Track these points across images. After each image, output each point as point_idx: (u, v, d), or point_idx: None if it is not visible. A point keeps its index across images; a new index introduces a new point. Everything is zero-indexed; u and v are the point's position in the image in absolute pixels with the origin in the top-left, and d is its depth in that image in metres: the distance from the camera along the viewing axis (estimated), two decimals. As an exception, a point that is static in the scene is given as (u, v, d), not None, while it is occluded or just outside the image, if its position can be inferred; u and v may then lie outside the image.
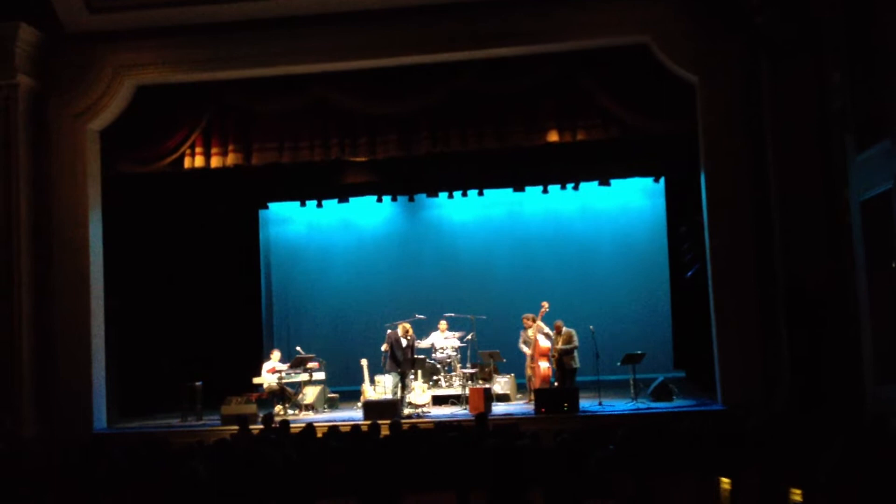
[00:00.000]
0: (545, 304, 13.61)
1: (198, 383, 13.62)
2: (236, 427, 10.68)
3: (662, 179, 16.43)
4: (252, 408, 12.99)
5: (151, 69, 13.35)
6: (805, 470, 6.07)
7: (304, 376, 14.08)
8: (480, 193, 17.08)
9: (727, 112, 12.28)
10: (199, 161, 13.89)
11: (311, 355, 14.35)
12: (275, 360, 14.28)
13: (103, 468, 7.37)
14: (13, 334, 12.65)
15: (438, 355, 14.30)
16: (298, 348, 14.61)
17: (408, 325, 13.54)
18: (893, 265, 9.70)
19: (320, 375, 14.35)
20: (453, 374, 14.23)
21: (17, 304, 12.73)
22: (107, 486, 6.80)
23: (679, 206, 15.52)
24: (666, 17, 12.38)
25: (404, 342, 13.31)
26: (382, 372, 13.87)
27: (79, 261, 13.22)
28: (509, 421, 11.47)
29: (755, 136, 12.04)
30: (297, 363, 14.12)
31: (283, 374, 14.02)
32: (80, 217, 13.28)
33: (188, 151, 13.87)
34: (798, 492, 5.69)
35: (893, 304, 9.88)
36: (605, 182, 16.45)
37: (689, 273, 14.65)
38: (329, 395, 14.56)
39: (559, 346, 13.42)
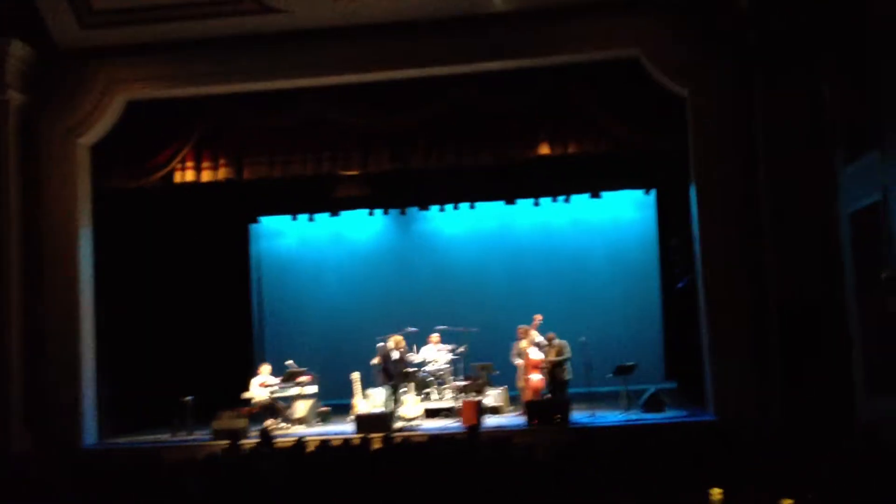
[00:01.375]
0: (538, 317, 13.62)
1: (188, 398, 13.56)
2: (227, 442, 10.63)
3: (653, 192, 16.49)
4: (243, 422, 12.93)
5: (142, 84, 13.36)
6: (796, 481, 6.08)
7: (296, 390, 14.04)
8: (472, 206, 17.15)
9: (718, 125, 12.33)
10: (189, 175, 13.88)
11: (302, 369, 14.31)
12: (265, 373, 14.24)
13: (93, 484, 7.33)
14: (2, 349, 12.60)
15: (430, 368, 14.29)
16: (290, 362, 14.56)
17: (399, 338, 13.53)
18: (882, 276, 9.74)
19: (312, 389, 14.30)
20: (445, 386, 14.21)
21: (7, 319, 12.68)
22: (97, 502, 6.76)
23: (670, 219, 15.57)
24: (656, 30, 12.45)
25: (396, 355, 13.30)
26: (374, 385, 13.85)
27: (69, 277, 13.19)
28: (502, 433, 11.45)
29: (746, 148, 12.08)
30: (289, 377, 14.08)
31: (274, 389, 13.98)
32: (71, 232, 13.25)
33: (179, 166, 13.86)
34: (789, 502, 5.70)
35: (883, 315, 9.91)
36: (596, 194, 16.54)
37: (680, 284, 14.68)
38: (321, 409, 14.51)
39: (551, 357, 13.43)
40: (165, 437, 13.42)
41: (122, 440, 13.50)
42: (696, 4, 12.27)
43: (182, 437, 13.31)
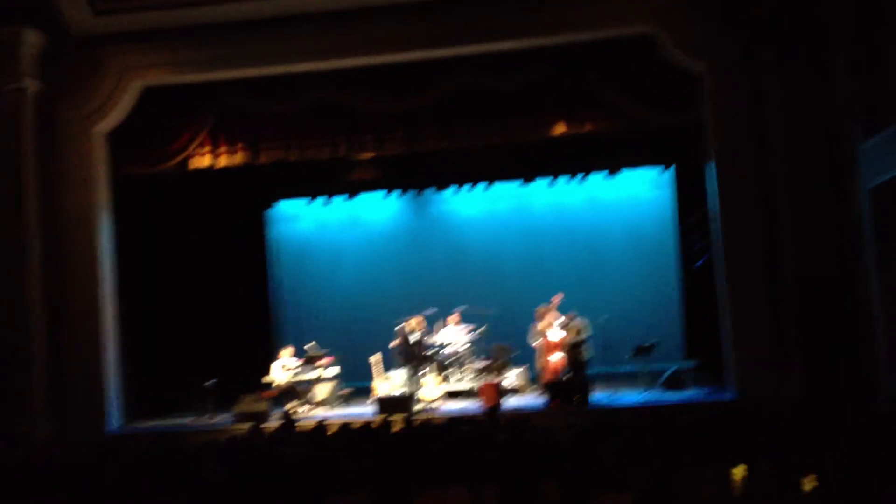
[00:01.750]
0: (557, 297, 13.60)
1: (210, 382, 13.65)
2: (249, 425, 10.70)
3: (671, 169, 16.40)
4: (264, 405, 13.02)
5: (157, 70, 13.37)
6: (819, 458, 6.05)
7: (316, 373, 14.11)
8: (488, 187, 17.11)
9: (734, 102, 12.22)
10: (206, 160, 13.91)
11: (323, 352, 14.37)
12: (286, 357, 14.30)
13: (117, 468, 7.41)
14: (26, 337, 12.71)
15: (449, 350, 14.31)
16: (310, 345, 14.62)
17: (419, 319, 13.56)
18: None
19: (332, 372, 14.36)
20: (465, 368, 14.23)
21: (29, 306, 12.78)
22: (121, 486, 6.83)
23: (687, 197, 15.47)
24: (671, 7, 12.32)
25: (415, 337, 13.32)
26: (394, 367, 13.89)
27: (89, 263, 13.27)
28: (521, 415, 11.44)
29: (762, 124, 11.99)
30: (309, 360, 14.15)
31: (295, 372, 14.05)
32: (90, 219, 13.32)
33: (196, 151, 13.89)
34: (812, 479, 5.68)
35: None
36: (612, 173, 16.46)
37: (699, 263, 14.62)
38: (341, 392, 14.57)
39: (569, 337, 13.41)
40: (188, 421, 13.54)
41: (145, 424, 13.63)
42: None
43: (204, 421, 13.42)
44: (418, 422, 9.56)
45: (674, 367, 13.72)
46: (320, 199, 17.47)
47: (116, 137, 13.73)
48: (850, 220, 11.10)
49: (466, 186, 17.09)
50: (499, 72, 13.12)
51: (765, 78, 11.90)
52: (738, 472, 6.07)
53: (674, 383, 13.21)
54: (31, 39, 12.90)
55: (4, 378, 12.53)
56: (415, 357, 13.31)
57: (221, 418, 13.37)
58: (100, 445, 10.30)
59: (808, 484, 5.71)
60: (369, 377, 14.07)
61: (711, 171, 12.60)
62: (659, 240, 16.89)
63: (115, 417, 13.28)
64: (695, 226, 14.92)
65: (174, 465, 7.46)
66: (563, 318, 13.60)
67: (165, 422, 13.79)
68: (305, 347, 14.54)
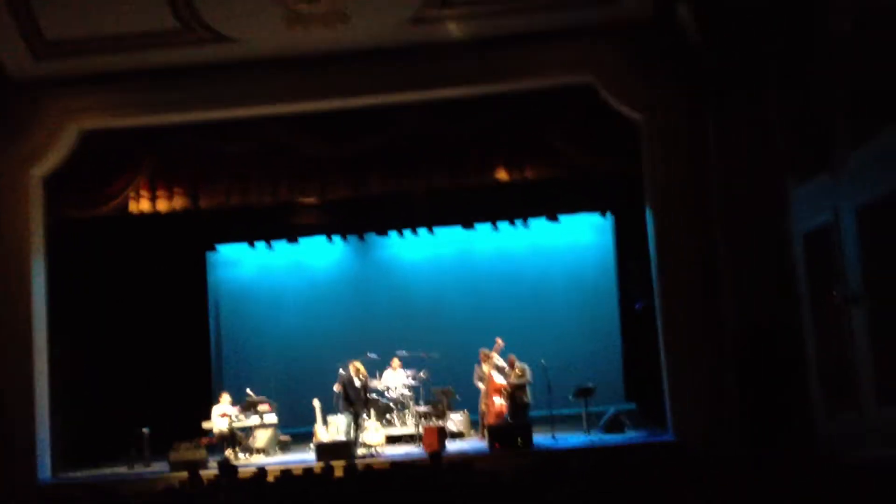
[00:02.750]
0: (499, 341, 13.65)
1: (144, 429, 13.36)
2: (185, 473, 10.46)
3: (612, 215, 16.65)
4: (202, 453, 12.78)
5: (95, 114, 13.22)
6: (757, 500, 6.13)
7: (256, 419, 13.91)
8: (431, 232, 17.18)
9: (672, 150, 12.49)
10: (144, 205, 13.77)
11: (262, 398, 14.18)
12: (224, 403, 14.07)
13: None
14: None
15: (391, 394, 14.23)
16: (249, 391, 14.42)
17: (359, 365, 13.48)
18: (836, 296, 9.90)
19: (272, 418, 14.15)
20: (407, 412, 14.16)
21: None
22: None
23: (628, 242, 15.71)
24: (610, 57, 12.60)
25: (357, 382, 13.23)
26: (335, 412, 13.76)
27: (21, 308, 12.93)
28: (464, 458, 11.39)
29: (700, 173, 12.25)
30: (248, 406, 13.94)
31: (234, 418, 13.82)
32: (23, 263, 13.02)
33: (133, 195, 13.75)
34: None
35: (838, 336, 10.07)
36: (553, 218, 16.67)
37: (638, 306, 14.81)
38: (281, 438, 14.37)
39: (513, 380, 13.45)
40: (122, 469, 13.23)
41: (78, 474, 13.25)
42: (648, 32, 12.41)
43: (139, 469, 13.11)
44: (360, 467, 9.45)
45: (613, 410, 13.83)
46: (262, 244, 17.36)
47: (54, 180, 13.51)
48: (784, 265, 11.36)
49: (409, 231, 17.14)
50: (444, 118, 13.26)
51: (702, 128, 12.17)
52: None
53: (614, 426, 13.31)
54: (-34, 81, 12.69)
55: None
56: (356, 402, 13.20)
57: (157, 467, 13.07)
58: (32, 496, 9.98)
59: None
60: (309, 423, 13.92)
61: (650, 217, 12.83)
62: (600, 284, 17.10)
63: (46, 466, 12.87)
64: (635, 270, 15.13)
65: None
66: (503, 362, 13.64)
67: (99, 471, 13.43)
68: (247, 393, 14.33)
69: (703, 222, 12.18)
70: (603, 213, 16.75)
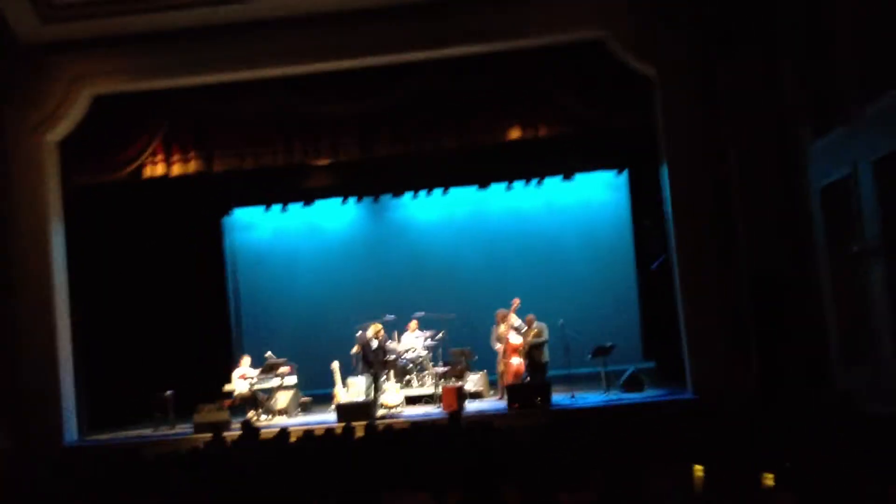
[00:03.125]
0: (516, 301, 13.67)
1: (168, 392, 13.52)
2: (209, 435, 10.61)
3: (626, 172, 16.57)
4: (224, 415, 12.92)
5: (108, 78, 13.21)
6: (776, 454, 6.16)
7: (276, 381, 14.03)
8: (445, 192, 17.16)
9: (685, 104, 12.40)
10: (160, 169, 13.78)
11: (281, 360, 14.29)
12: (245, 366, 14.20)
13: (76, 481, 7.31)
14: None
15: (410, 355, 14.31)
16: (269, 353, 14.54)
17: (378, 326, 13.54)
18: (854, 249, 9.86)
19: (292, 380, 14.29)
20: (425, 373, 14.25)
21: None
22: (80, 499, 6.74)
23: (642, 199, 15.66)
24: (622, 11, 12.47)
25: (375, 343, 13.31)
26: (354, 374, 13.86)
27: (42, 273, 13.06)
28: (483, 418, 11.50)
29: (713, 126, 12.17)
30: (268, 368, 14.06)
31: (254, 380, 13.96)
32: (42, 229, 13.12)
33: (149, 160, 13.75)
34: (770, 476, 5.77)
35: (855, 288, 10.05)
36: (568, 176, 16.60)
37: (655, 265, 14.78)
38: (301, 400, 14.51)
39: (530, 340, 13.48)
40: (147, 431, 13.40)
41: (103, 436, 13.44)
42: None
43: (164, 431, 13.28)
44: (380, 428, 9.54)
45: (632, 368, 13.86)
46: (277, 207, 17.38)
47: (68, 146, 13.55)
48: (800, 219, 11.31)
49: (423, 192, 17.11)
50: (454, 76, 13.18)
51: (715, 80, 12.07)
52: (697, 470, 6.16)
53: (633, 384, 13.34)
54: (-22, 49, 12.69)
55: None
56: (375, 363, 13.29)
57: (181, 428, 13.24)
58: (58, 458, 10.14)
59: (767, 480, 5.80)
60: (328, 385, 14.03)
61: (664, 174, 12.76)
62: (616, 242, 17.06)
63: (72, 429, 13.08)
64: (650, 228, 15.10)
65: (134, 476, 7.38)
66: (521, 322, 13.67)
67: (125, 433, 13.62)
68: (266, 356, 14.46)
69: (719, 177, 12.13)
70: (619, 171, 16.65)
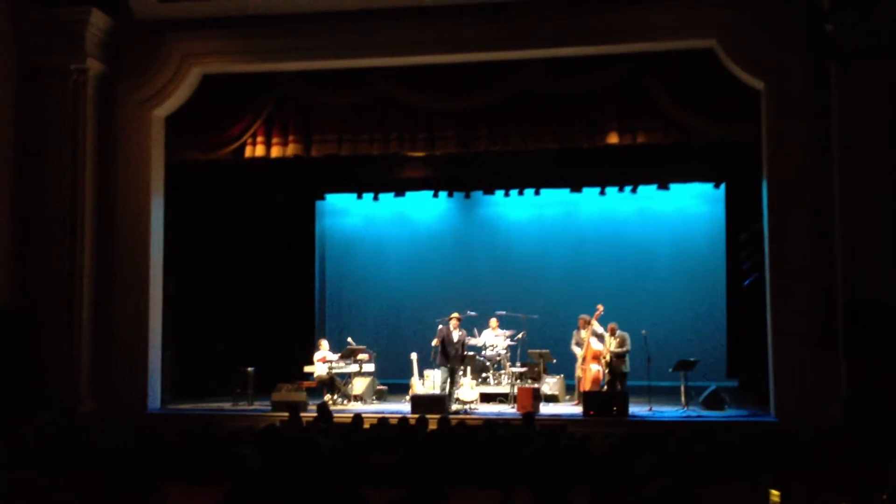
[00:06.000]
0: (600, 307, 13.52)
1: (250, 369, 13.81)
2: (286, 413, 10.80)
3: (723, 185, 16.20)
4: (302, 395, 13.13)
5: (218, 58, 13.53)
6: (860, 484, 5.95)
7: (354, 367, 14.20)
8: (537, 193, 17.06)
9: (793, 119, 12.06)
10: (259, 150, 14.03)
11: (361, 347, 14.46)
12: (324, 349, 14.41)
13: (157, 447, 7.52)
14: (74, 313, 12.94)
15: (488, 353, 14.30)
16: (349, 339, 14.73)
17: (457, 314, 13.55)
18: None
19: (370, 367, 14.45)
20: (502, 372, 14.22)
21: (79, 282, 13.01)
22: (160, 465, 6.93)
23: (739, 214, 15.29)
24: (733, 21, 12.19)
25: (455, 336, 13.33)
26: (432, 367, 13.93)
27: (140, 243, 13.46)
28: (557, 422, 11.42)
29: (821, 144, 11.81)
30: (348, 354, 14.24)
31: (334, 365, 14.14)
32: (143, 202, 13.51)
33: (250, 140, 14.02)
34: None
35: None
36: (663, 186, 16.31)
37: (747, 282, 14.43)
38: (378, 388, 14.65)
39: (612, 348, 13.32)
40: (227, 405, 13.71)
41: (184, 406, 13.81)
42: (774, -4, 12.01)
43: (243, 406, 13.58)
44: (454, 422, 9.56)
45: (714, 386, 13.56)
46: (369, 195, 17.56)
47: (174, 122, 13.92)
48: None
49: (515, 191, 17.05)
50: (557, 77, 13.08)
51: (826, 97, 11.71)
52: (774, 495, 5.99)
53: (714, 402, 13.05)
54: (97, 21, 13.13)
55: (52, 351, 12.77)
56: (453, 358, 13.32)
57: (259, 405, 13.51)
58: (141, 424, 10.45)
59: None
60: (404, 375, 14.13)
61: (765, 188, 12.44)
62: (708, 256, 16.72)
63: (156, 397, 13.48)
64: (745, 243, 14.74)
65: (212, 447, 7.55)
66: (602, 330, 13.52)
67: (205, 405, 13.96)
68: (349, 340, 14.65)
69: (821, 196, 11.76)
70: (716, 184, 16.28)
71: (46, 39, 13.02)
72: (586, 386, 13.23)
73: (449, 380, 13.33)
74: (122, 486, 5.84)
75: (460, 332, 13.51)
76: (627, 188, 16.65)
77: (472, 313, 14.66)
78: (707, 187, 16.60)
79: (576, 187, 16.72)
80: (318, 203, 18.11)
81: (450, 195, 17.60)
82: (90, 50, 13.17)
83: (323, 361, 14.20)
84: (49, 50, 13.02)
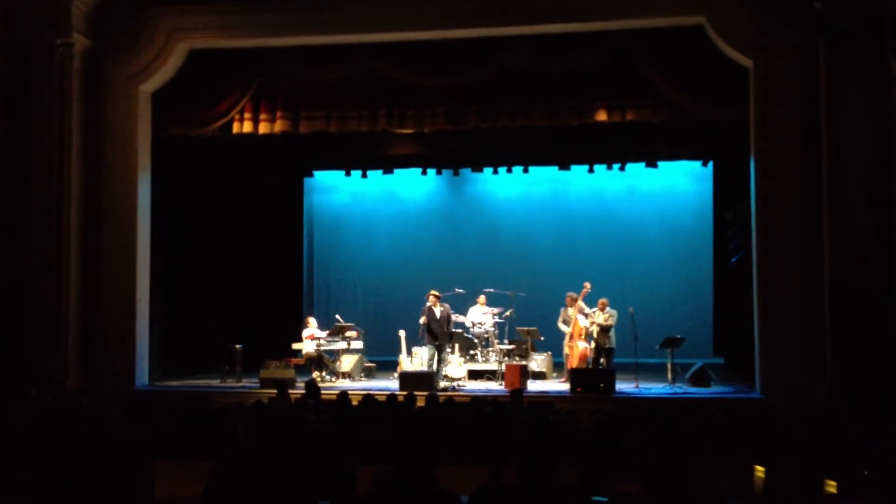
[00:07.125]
0: (587, 285, 13.55)
1: (238, 346, 13.82)
2: (274, 390, 10.82)
3: (711, 164, 16.24)
4: (290, 373, 13.16)
5: (204, 33, 13.44)
6: (844, 461, 6.01)
7: (343, 344, 14.22)
8: (525, 170, 17.04)
9: (781, 98, 12.08)
10: (247, 126, 13.97)
11: (349, 324, 14.48)
12: (312, 326, 14.42)
13: (144, 423, 7.52)
14: (60, 288, 12.91)
15: (476, 330, 14.33)
16: (337, 316, 14.74)
17: (435, 292, 13.53)
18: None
19: (358, 344, 14.48)
20: (490, 349, 14.27)
21: (66, 259, 12.98)
22: (148, 441, 6.93)
23: (726, 192, 15.34)
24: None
25: (437, 312, 13.35)
26: (420, 344, 13.96)
27: (126, 220, 13.42)
28: (544, 399, 11.48)
29: (808, 123, 11.84)
30: (336, 331, 14.26)
31: (322, 342, 14.17)
32: (130, 177, 13.45)
33: (237, 116, 13.96)
34: (833, 483, 5.64)
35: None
36: (652, 164, 16.33)
37: (734, 259, 14.50)
38: (366, 364, 14.69)
39: (601, 321, 13.29)
40: (215, 382, 13.73)
41: (173, 383, 13.82)
42: (764, -28, 11.98)
43: (231, 383, 13.60)
44: (442, 399, 9.60)
45: (700, 363, 13.65)
46: (357, 172, 17.51)
47: (160, 98, 13.84)
48: (890, 225, 10.94)
49: (503, 168, 17.03)
50: (546, 54, 13.04)
51: (815, 76, 11.72)
52: (759, 471, 6.05)
53: (700, 378, 13.15)
54: (83, -5, 13.01)
55: (39, 327, 12.75)
56: (440, 335, 13.36)
57: (247, 382, 13.53)
58: (129, 400, 10.43)
59: (830, 487, 5.67)
60: (393, 352, 14.16)
61: (753, 166, 12.46)
62: (695, 233, 16.79)
63: (144, 373, 13.48)
64: (732, 221, 14.80)
65: (200, 423, 7.56)
66: (596, 305, 13.55)
67: (193, 381, 13.98)
68: (337, 317, 14.67)
69: (808, 175, 11.80)
70: (704, 162, 16.32)
71: (32, 14, 12.90)
72: (574, 363, 13.29)
73: (436, 357, 13.37)
74: (111, 465, 5.84)
75: (442, 308, 13.52)
76: (616, 166, 16.65)
77: (460, 291, 14.69)
78: (695, 165, 16.64)
79: (564, 165, 16.71)
80: (307, 180, 18.06)
81: (438, 172, 17.57)
82: (76, 24, 13.05)
83: (311, 338, 14.21)
84: (34, 24, 12.89)
